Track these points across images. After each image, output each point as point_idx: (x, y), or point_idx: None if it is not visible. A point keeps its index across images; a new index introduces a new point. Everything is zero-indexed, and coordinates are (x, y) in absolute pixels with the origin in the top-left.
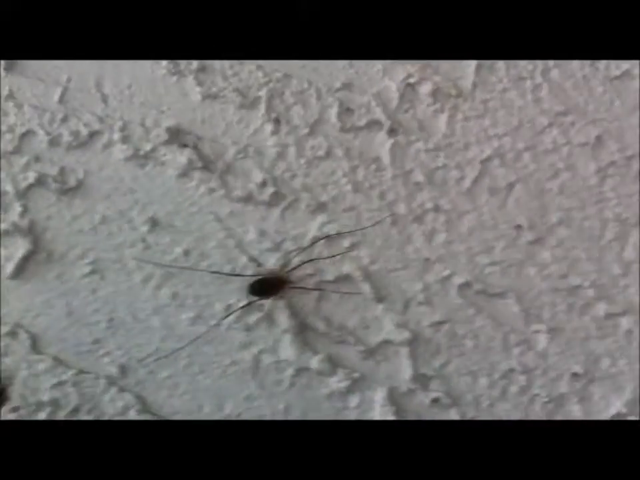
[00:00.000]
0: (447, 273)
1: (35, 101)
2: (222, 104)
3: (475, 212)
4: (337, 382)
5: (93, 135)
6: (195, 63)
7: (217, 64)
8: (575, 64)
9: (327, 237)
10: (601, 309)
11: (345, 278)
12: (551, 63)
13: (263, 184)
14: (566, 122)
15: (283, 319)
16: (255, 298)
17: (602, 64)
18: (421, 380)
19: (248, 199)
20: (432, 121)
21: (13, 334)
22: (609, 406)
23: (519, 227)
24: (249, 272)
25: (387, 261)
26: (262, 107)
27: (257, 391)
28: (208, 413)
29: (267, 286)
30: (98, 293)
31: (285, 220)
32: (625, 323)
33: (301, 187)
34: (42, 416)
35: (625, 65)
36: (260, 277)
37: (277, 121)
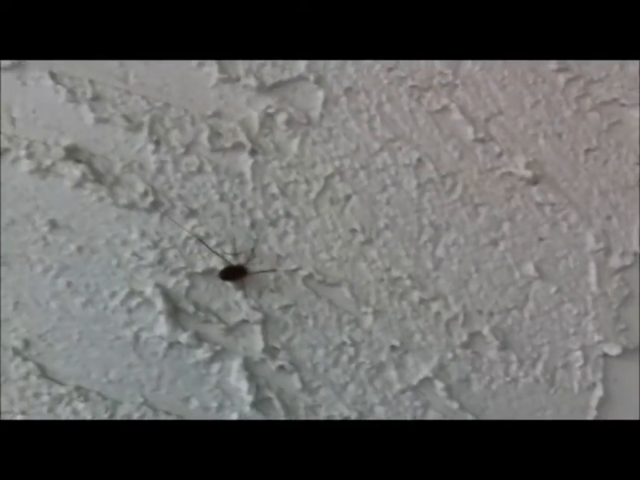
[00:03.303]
0: (294, 266)
1: None
2: (111, 127)
3: (318, 218)
4: (202, 353)
5: (3, 151)
6: (88, 92)
7: (107, 93)
8: (404, 99)
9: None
10: (416, 295)
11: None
12: (384, 97)
13: (145, 194)
14: (394, 147)
15: (159, 303)
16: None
17: (426, 99)
18: (271, 351)
19: (132, 205)
20: (286, 144)
21: None
22: (419, 372)
23: (353, 230)
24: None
25: (249, 257)
26: (145, 130)
27: (136, 361)
28: (95, 377)
29: (232, 273)
30: (6, 281)
31: (163, 223)
32: (435, 306)
33: (176, 197)
34: None
35: (445, 100)
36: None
37: (157, 142)
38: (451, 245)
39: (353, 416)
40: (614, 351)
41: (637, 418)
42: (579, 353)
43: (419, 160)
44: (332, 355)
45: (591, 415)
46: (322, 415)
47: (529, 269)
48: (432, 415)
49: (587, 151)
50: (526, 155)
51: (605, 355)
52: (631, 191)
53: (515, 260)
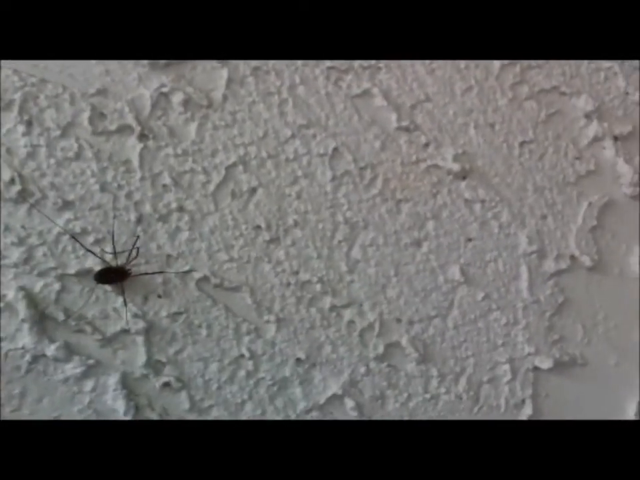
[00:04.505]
0: (187, 268)
1: None
2: None
3: (217, 213)
4: (72, 368)
5: None
6: None
7: None
8: (320, 81)
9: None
10: (327, 301)
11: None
12: (297, 79)
13: (11, 182)
14: (308, 134)
15: (22, 309)
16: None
17: (345, 82)
18: (155, 366)
19: None
20: (182, 128)
21: None
22: (327, 388)
23: (257, 227)
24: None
25: (129, 258)
26: (15, 109)
27: None
28: None
29: (111, 275)
30: None
31: (31, 216)
32: (348, 314)
33: (48, 186)
34: None
35: (366, 84)
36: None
37: (29, 123)
38: (368, 245)
39: None
40: (545, 364)
41: None
42: (506, 367)
43: (335, 149)
44: (227, 370)
45: None
46: None
47: (455, 272)
48: None
49: (522, 143)
50: (455, 147)
51: (536, 369)
52: (568, 188)
53: (439, 262)
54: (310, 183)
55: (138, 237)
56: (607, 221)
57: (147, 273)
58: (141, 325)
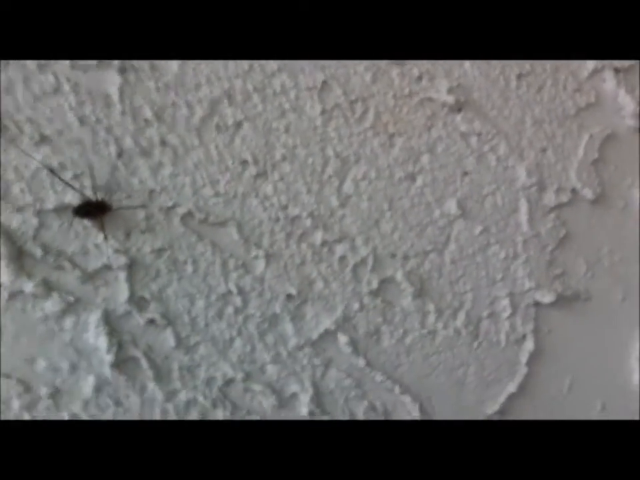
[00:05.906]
0: (170, 203)
1: None
2: None
3: (202, 147)
4: (51, 305)
5: None
6: None
7: None
8: None
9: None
10: (318, 236)
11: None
12: None
13: None
14: (295, 67)
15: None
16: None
17: None
18: (138, 302)
19: None
20: (164, 61)
21: None
22: (319, 324)
23: (244, 162)
24: None
25: (113, 192)
26: None
27: None
28: None
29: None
30: None
31: (7, 151)
32: (340, 249)
33: (25, 120)
34: None
35: None
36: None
37: None
38: (360, 179)
39: (239, 377)
40: (547, 298)
41: (571, 376)
42: (506, 301)
43: (325, 82)
44: (214, 307)
45: (520, 372)
46: (201, 377)
47: (451, 206)
48: (333, 375)
49: (519, 75)
50: (449, 79)
51: (537, 304)
52: (568, 121)
53: (434, 197)
54: (298, 117)
55: (116, 167)
56: (609, 153)
57: (128, 207)
58: (122, 260)
